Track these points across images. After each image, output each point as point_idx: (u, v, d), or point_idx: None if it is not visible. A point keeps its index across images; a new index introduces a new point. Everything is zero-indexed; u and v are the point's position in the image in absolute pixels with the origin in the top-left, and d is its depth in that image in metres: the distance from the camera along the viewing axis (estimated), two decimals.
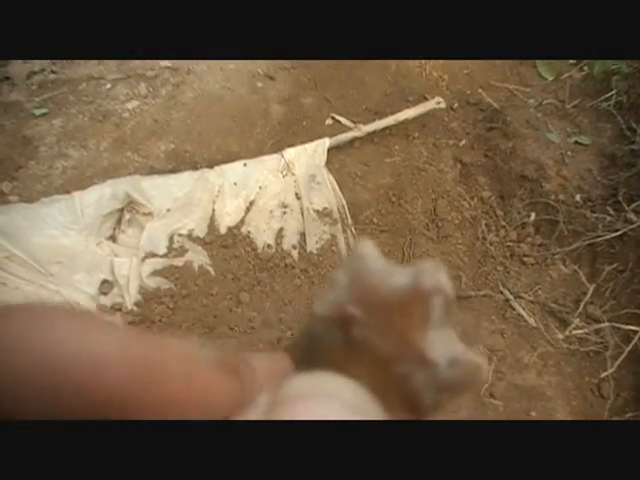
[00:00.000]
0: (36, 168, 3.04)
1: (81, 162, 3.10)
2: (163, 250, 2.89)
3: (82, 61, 3.56)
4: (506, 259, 3.13)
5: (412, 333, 0.40)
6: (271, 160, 3.20)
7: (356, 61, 3.79)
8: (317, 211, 3.16)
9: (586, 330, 2.84)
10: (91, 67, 3.54)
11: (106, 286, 2.78)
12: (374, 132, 3.42)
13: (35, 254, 2.69)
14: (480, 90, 3.68)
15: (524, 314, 2.93)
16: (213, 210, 3.05)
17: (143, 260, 2.84)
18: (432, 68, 3.85)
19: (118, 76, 3.47)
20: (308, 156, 3.22)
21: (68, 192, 2.89)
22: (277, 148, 3.27)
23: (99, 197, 2.87)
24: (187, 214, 2.99)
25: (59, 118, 3.25)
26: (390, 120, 3.43)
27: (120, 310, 2.73)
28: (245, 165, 3.14)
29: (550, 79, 3.75)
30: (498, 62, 3.89)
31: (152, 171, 3.10)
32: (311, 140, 3.29)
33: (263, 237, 3.07)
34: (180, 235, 2.95)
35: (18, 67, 3.43)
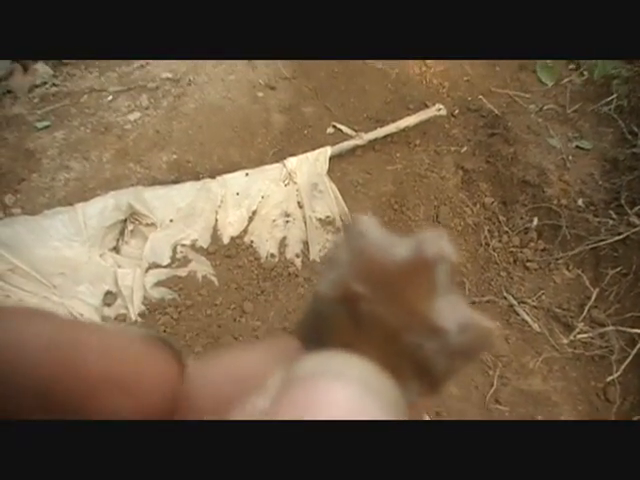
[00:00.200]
0: (39, 180, 3.05)
1: (83, 174, 3.11)
2: (166, 261, 2.89)
3: (83, 73, 3.58)
4: (509, 265, 3.13)
5: (420, 302, 0.39)
6: (273, 169, 3.20)
7: (356, 70, 3.81)
8: (320, 219, 3.17)
9: (591, 334, 2.83)
10: (92, 79, 3.56)
11: (110, 297, 2.78)
12: (375, 140, 3.42)
13: (38, 266, 2.69)
14: (481, 96, 3.68)
15: (528, 319, 2.93)
16: (216, 220, 3.05)
17: (146, 271, 2.84)
18: (432, 75, 3.86)
19: (119, 88, 3.49)
20: (310, 165, 3.23)
21: (71, 204, 2.89)
22: (279, 157, 3.28)
23: (102, 208, 2.87)
24: (190, 224, 2.99)
25: (61, 130, 3.27)
26: (391, 128, 3.43)
27: (124, 321, 2.72)
28: (247, 175, 3.15)
29: (550, 84, 3.76)
30: (498, 68, 3.90)
31: (154, 182, 3.11)
32: (313, 149, 3.29)
33: (266, 246, 3.08)
34: (183, 245, 2.95)
35: (20, 80, 3.44)
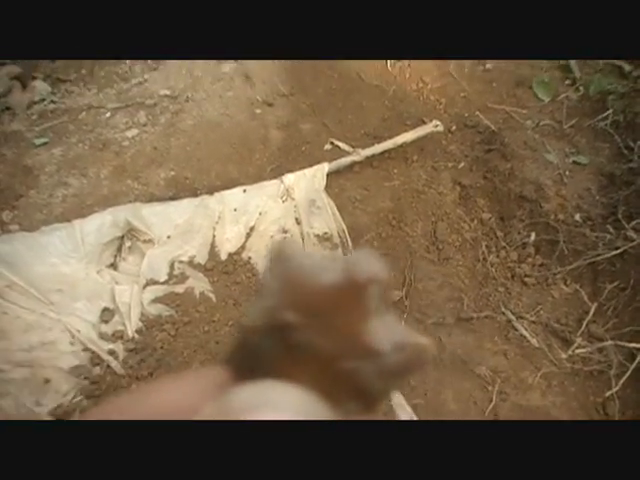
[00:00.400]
0: (36, 197, 3.06)
1: (81, 190, 3.11)
2: (164, 277, 2.89)
3: (82, 90, 3.60)
4: (507, 280, 3.12)
5: (353, 327, 0.39)
6: (271, 186, 3.21)
7: (353, 86, 3.83)
8: (317, 236, 3.17)
9: (589, 349, 2.82)
10: (91, 96, 3.57)
11: (107, 314, 2.77)
12: (373, 156, 3.43)
13: (36, 282, 2.69)
14: (477, 112, 3.70)
15: (527, 334, 2.92)
16: (213, 236, 3.05)
17: (144, 287, 2.84)
18: (429, 92, 3.88)
19: (117, 105, 3.50)
20: (307, 181, 3.23)
21: (68, 220, 2.90)
22: (276, 174, 3.29)
23: (99, 225, 2.87)
24: (187, 241, 2.99)
25: (59, 147, 3.27)
26: (389, 144, 3.44)
27: (121, 338, 2.72)
28: (245, 191, 3.15)
29: (547, 100, 3.78)
30: (495, 85, 3.92)
31: (152, 198, 3.12)
32: (310, 165, 3.30)
33: (264, 263, 3.07)
34: (181, 262, 2.95)
35: (18, 97, 3.45)
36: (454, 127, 3.69)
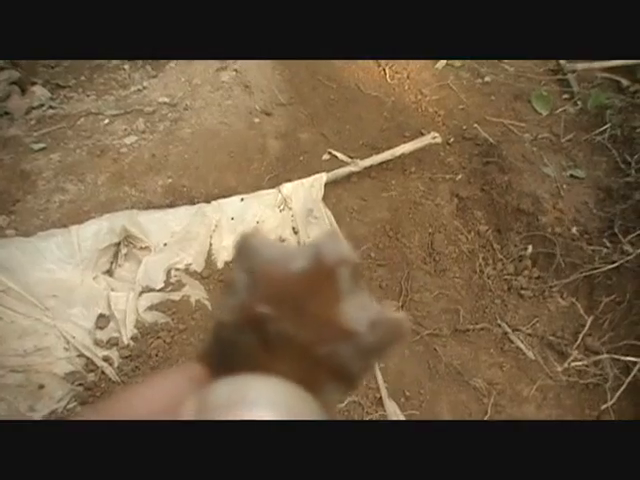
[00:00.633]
0: (34, 202, 3.05)
1: (78, 196, 3.10)
2: (160, 284, 2.88)
3: (80, 96, 3.60)
4: (504, 292, 3.12)
5: (327, 311, 0.39)
6: (268, 195, 3.21)
7: (352, 97, 3.84)
8: None
9: (585, 362, 2.83)
10: (89, 102, 3.57)
11: (102, 320, 2.76)
12: (371, 167, 3.44)
13: (31, 288, 2.67)
14: (476, 125, 3.71)
15: (522, 347, 2.92)
16: (210, 244, 3.05)
17: (140, 294, 2.83)
18: (428, 104, 3.89)
19: (116, 112, 3.50)
20: (305, 191, 3.23)
21: (65, 226, 2.89)
22: (274, 183, 3.29)
23: (96, 231, 2.86)
24: (184, 248, 2.98)
25: (57, 153, 3.27)
26: (387, 155, 3.45)
27: (116, 345, 2.70)
28: (242, 200, 3.15)
29: (545, 114, 3.79)
30: (493, 98, 3.94)
31: (149, 206, 3.11)
32: (308, 175, 3.31)
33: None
34: (177, 269, 2.94)
35: (17, 102, 3.45)
36: (452, 139, 3.70)
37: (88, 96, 3.62)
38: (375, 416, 2.63)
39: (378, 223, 3.30)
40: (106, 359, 2.63)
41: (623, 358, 2.75)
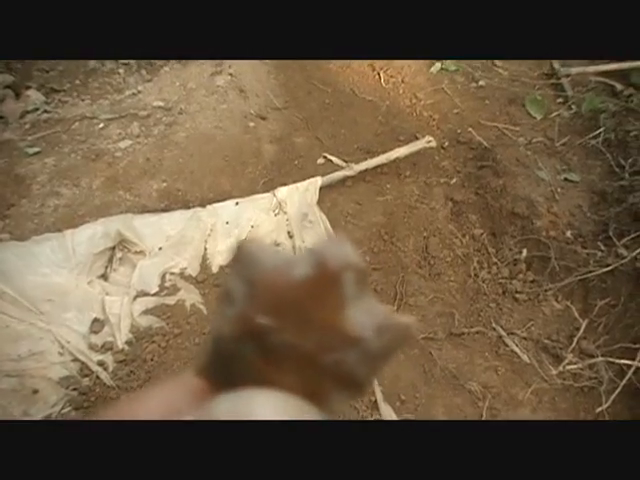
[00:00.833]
0: (28, 206, 3.04)
1: (73, 200, 3.10)
2: (155, 289, 2.87)
3: (75, 101, 3.60)
4: (498, 296, 3.12)
5: (331, 318, 0.38)
6: (263, 199, 3.21)
7: (347, 101, 3.84)
8: None
9: (580, 365, 2.83)
10: (84, 107, 3.57)
11: (97, 325, 2.75)
12: (366, 171, 3.44)
13: (26, 292, 2.67)
14: (470, 129, 3.72)
15: (517, 350, 2.92)
16: (205, 249, 3.04)
17: (135, 299, 2.82)
18: (422, 108, 3.90)
19: (111, 116, 3.50)
20: (300, 195, 3.23)
21: (60, 230, 2.88)
22: (269, 187, 3.28)
23: (91, 235, 2.86)
24: (179, 253, 2.98)
25: (52, 157, 3.26)
26: (382, 159, 3.45)
27: (111, 349, 2.70)
28: (237, 204, 3.15)
29: (539, 118, 3.80)
30: (487, 102, 3.95)
31: (144, 210, 3.11)
32: (303, 179, 3.31)
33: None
34: (172, 274, 2.93)
35: (12, 106, 3.45)
36: (447, 143, 3.70)
37: (83, 100, 3.62)
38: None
39: (373, 227, 3.30)
40: (101, 363, 2.63)
41: (618, 361, 2.75)
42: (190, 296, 2.90)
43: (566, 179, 3.41)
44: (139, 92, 3.69)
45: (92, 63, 3.77)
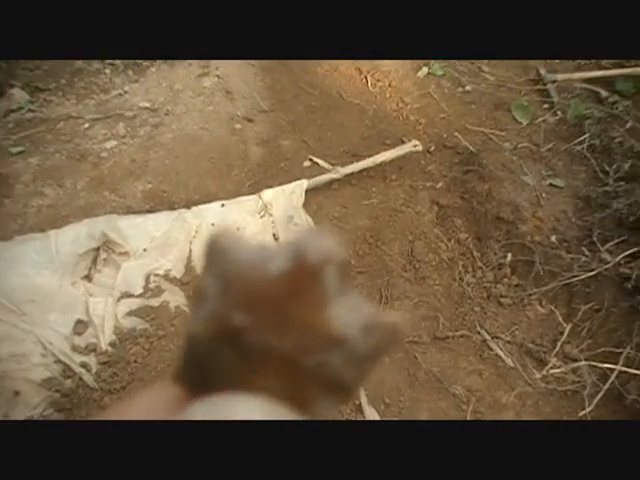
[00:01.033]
0: (11, 206, 3.02)
1: (57, 201, 3.08)
2: (139, 290, 2.86)
3: (60, 100, 3.58)
4: (483, 300, 3.13)
5: (312, 316, 0.35)
6: (249, 201, 3.20)
7: (334, 104, 3.85)
8: None
9: (563, 369, 2.84)
10: (69, 106, 3.55)
11: (80, 326, 2.73)
12: (352, 174, 3.44)
13: (8, 293, 2.64)
14: (456, 134, 3.73)
15: (502, 354, 2.93)
16: (190, 250, 3.03)
17: (118, 300, 2.80)
18: (409, 112, 3.91)
19: (96, 116, 3.48)
20: (286, 197, 3.23)
21: (43, 231, 2.86)
22: (255, 189, 3.28)
23: (75, 236, 2.84)
24: (164, 254, 2.96)
25: (36, 156, 3.24)
26: (368, 162, 3.45)
27: (94, 351, 2.68)
28: (223, 206, 3.14)
29: (525, 123, 3.82)
30: (474, 107, 3.96)
31: (129, 211, 3.09)
32: (289, 182, 3.30)
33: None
34: (156, 275, 2.92)
35: None
36: (433, 147, 3.71)
37: (68, 100, 3.60)
38: None
39: (358, 230, 3.30)
40: (84, 365, 2.61)
41: (601, 365, 2.77)
42: (174, 298, 2.88)
43: (551, 184, 3.43)
44: (125, 92, 3.67)
45: (78, 63, 3.75)
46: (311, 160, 3.53)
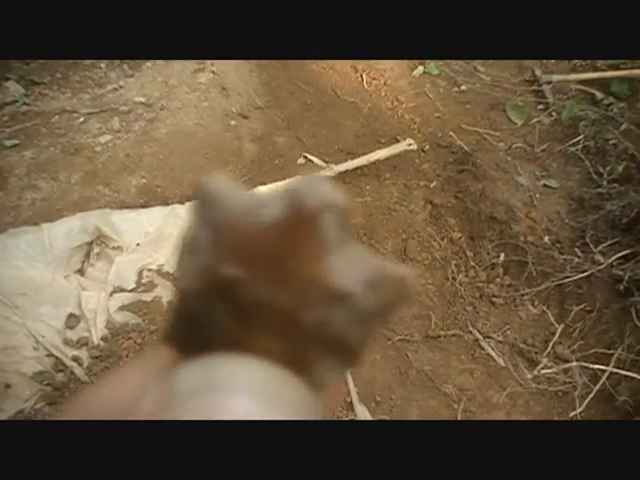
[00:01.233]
0: (5, 199, 3.01)
1: (51, 194, 3.07)
2: (132, 285, 2.85)
3: (55, 94, 3.57)
4: (475, 299, 3.14)
5: (311, 268, 0.32)
6: None
7: (329, 102, 3.85)
8: None
9: (555, 370, 2.85)
10: (64, 100, 3.54)
11: (72, 320, 2.73)
12: (346, 172, 3.43)
13: (0, 285, 2.64)
14: (451, 133, 3.73)
15: (493, 354, 2.93)
16: None
17: (111, 294, 2.80)
18: (404, 111, 3.91)
19: (91, 110, 3.47)
20: None
21: (37, 224, 2.85)
22: (249, 186, 3.27)
23: (68, 230, 2.83)
24: (157, 249, 2.96)
25: (30, 150, 3.23)
26: (362, 160, 3.45)
27: (86, 345, 2.67)
28: None
29: (520, 124, 3.83)
30: (469, 106, 3.96)
31: (123, 205, 3.09)
32: (283, 179, 3.29)
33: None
34: (149, 270, 2.91)
35: None
36: (427, 146, 3.71)
37: (63, 93, 3.59)
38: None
39: (352, 228, 3.30)
40: (75, 359, 2.60)
41: (592, 366, 2.78)
42: (167, 293, 2.88)
43: (545, 185, 3.43)
44: (120, 87, 3.66)
45: None
46: (305, 157, 3.53)
